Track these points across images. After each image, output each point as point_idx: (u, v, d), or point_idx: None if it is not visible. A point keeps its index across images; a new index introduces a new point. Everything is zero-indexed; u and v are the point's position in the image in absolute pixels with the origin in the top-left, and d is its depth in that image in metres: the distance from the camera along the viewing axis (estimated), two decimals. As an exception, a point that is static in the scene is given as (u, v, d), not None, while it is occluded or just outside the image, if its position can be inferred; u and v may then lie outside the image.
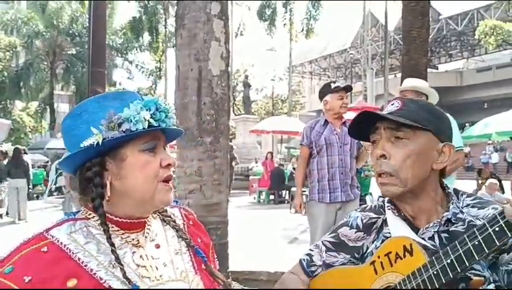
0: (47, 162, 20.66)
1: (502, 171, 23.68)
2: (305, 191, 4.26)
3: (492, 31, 27.89)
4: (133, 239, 1.04)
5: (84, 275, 0.94)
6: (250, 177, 16.64)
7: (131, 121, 0.97)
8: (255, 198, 15.31)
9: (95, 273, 0.94)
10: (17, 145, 12.09)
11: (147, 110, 0.99)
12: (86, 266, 0.95)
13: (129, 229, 1.05)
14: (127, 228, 1.04)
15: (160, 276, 1.03)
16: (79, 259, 0.95)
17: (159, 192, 1.02)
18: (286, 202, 14.02)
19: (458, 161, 3.55)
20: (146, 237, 1.07)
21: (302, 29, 29.73)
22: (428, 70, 8.06)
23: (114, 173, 1.01)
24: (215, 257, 1.25)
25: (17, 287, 0.88)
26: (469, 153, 25.12)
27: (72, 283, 0.91)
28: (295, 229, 8.88)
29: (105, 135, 0.97)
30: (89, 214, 1.03)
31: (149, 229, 1.09)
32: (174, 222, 1.16)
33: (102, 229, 0.99)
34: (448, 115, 3.46)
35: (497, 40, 28.52)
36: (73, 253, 0.95)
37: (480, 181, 14.42)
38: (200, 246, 1.16)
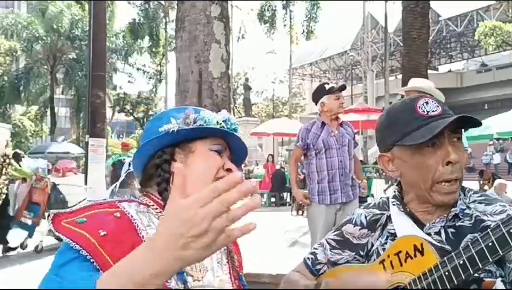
0: (47, 166, 20.64)
1: (503, 172, 23.64)
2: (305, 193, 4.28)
3: (491, 32, 27.89)
4: None
5: None
6: (251, 180, 16.61)
7: (205, 121, 1.08)
8: (256, 201, 15.29)
9: None
10: (16, 150, 12.05)
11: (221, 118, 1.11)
12: None
13: None
14: None
15: (202, 278, 1.05)
16: (143, 237, 0.98)
17: None
18: (287, 204, 14.01)
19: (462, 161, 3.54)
20: None
21: (303, 32, 29.76)
22: (429, 71, 8.07)
23: (181, 161, 1.09)
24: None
25: (91, 237, 0.89)
26: (470, 154, 25.09)
27: None
28: (297, 231, 8.86)
29: (181, 126, 1.07)
30: (149, 202, 1.08)
31: None
32: None
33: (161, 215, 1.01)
34: None
35: (496, 41, 28.52)
36: (140, 229, 0.99)
37: (481, 182, 14.41)
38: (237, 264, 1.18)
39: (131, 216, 1.00)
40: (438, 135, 1.11)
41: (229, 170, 1.09)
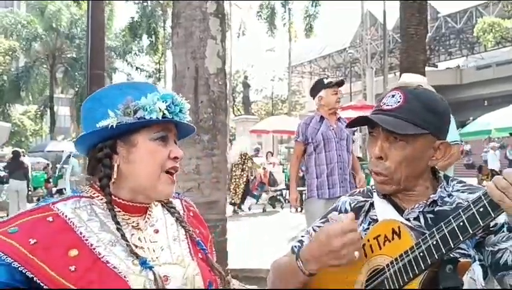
0: (48, 164, 20.67)
1: (503, 168, 23.60)
2: (304, 190, 4.30)
3: (490, 28, 27.79)
4: (133, 222, 1.08)
5: (84, 247, 0.98)
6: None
7: (146, 110, 1.03)
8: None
9: (94, 249, 0.98)
10: (16, 148, 12.09)
11: (163, 101, 1.04)
12: (86, 240, 0.99)
13: (130, 212, 1.09)
14: (128, 211, 1.08)
15: (157, 258, 1.06)
16: (81, 233, 0.99)
17: (161, 183, 1.07)
18: (286, 201, 14.01)
19: (454, 155, 3.56)
20: (146, 221, 1.11)
21: (305, 28, 29.64)
22: (428, 68, 8.06)
23: (123, 156, 1.06)
24: (214, 250, 1.27)
25: (21, 248, 0.92)
26: (469, 150, 25.05)
27: (73, 252, 0.96)
28: (295, 227, 8.86)
29: (120, 119, 1.03)
30: (94, 193, 1.08)
31: (150, 214, 1.13)
32: (179, 213, 1.20)
33: (106, 208, 1.04)
34: None
35: (495, 37, 28.43)
36: (76, 227, 1.00)
37: (480, 178, 14.43)
38: (199, 237, 1.18)
39: (66, 216, 1.00)
40: (375, 127, 1.17)
41: (176, 158, 1.08)
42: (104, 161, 1.05)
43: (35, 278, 0.91)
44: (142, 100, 1.03)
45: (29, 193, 11.05)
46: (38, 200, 16.01)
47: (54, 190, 18.30)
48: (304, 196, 4.36)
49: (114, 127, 1.02)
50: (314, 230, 1.37)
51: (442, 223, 0.99)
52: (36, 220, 0.98)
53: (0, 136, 11.27)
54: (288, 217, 10.69)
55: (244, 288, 4.11)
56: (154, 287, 0.99)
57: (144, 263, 0.99)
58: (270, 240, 7.75)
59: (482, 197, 0.94)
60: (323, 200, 3.90)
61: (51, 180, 18.59)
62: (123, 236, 1.01)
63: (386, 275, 1.06)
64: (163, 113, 1.04)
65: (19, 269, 0.90)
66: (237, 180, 11.98)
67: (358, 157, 11.55)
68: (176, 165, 1.08)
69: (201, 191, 3.69)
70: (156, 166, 1.06)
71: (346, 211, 1.34)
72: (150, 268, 0.99)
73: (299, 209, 11.08)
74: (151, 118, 1.02)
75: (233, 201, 11.95)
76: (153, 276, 0.98)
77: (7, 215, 10.82)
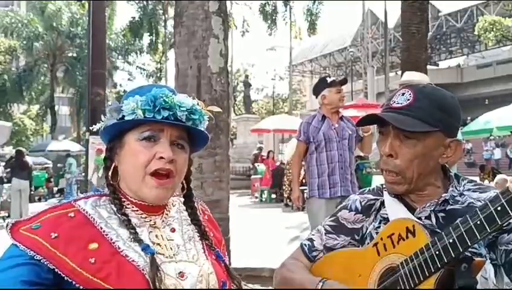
0: (48, 164, 20.70)
1: (504, 167, 23.61)
2: (305, 190, 4.29)
3: (491, 26, 27.73)
4: (151, 220, 1.10)
5: (104, 241, 1.00)
6: (252, 177, 16.64)
7: (126, 111, 1.04)
8: (257, 197, 15.32)
9: (114, 243, 1.01)
10: (19, 148, 12.11)
11: (145, 101, 1.04)
12: (106, 235, 1.02)
13: (148, 211, 1.10)
14: (145, 210, 1.10)
15: (174, 255, 1.07)
16: (101, 228, 1.03)
17: (145, 185, 1.06)
18: (288, 200, 14.04)
19: (457, 153, 3.55)
20: (163, 220, 1.13)
21: (308, 27, 29.58)
22: (429, 67, 8.06)
23: (118, 156, 1.10)
24: (226, 253, 1.27)
25: (43, 241, 0.95)
26: (471, 149, 25.05)
27: (93, 246, 0.98)
28: (297, 227, 8.89)
29: (106, 122, 1.08)
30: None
31: (167, 214, 1.15)
32: (198, 218, 1.20)
33: (124, 207, 1.08)
34: None
35: (496, 36, 28.37)
36: (96, 222, 1.03)
37: (482, 176, 14.42)
38: (213, 241, 1.19)
39: (86, 212, 1.04)
40: (385, 125, 1.17)
41: (161, 158, 1.04)
42: (106, 163, 1.11)
43: (56, 270, 0.93)
44: (125, 102, 1.05)
45: (31, 192, 11.03)
46: (39, 199, 16.05)
47: (55, 189, 18.34)
48: (305, 194, 4.35)
49: (103, 129, 1.08)
50: (325, 228, 1.38)
51: (458, 222, 0.98)
52: (58, 216, 1.02)
53: (1, 136, 11.27)
54: (290, 215, 10.69)
55: (247, 288, 4.11)
56: (168, 280, 1.00)
57: (145, 249, 1.01)
58: (272, 239, 7.75)
59: (500, 196, 0.93)
60: (324, 199, 3.90)
61: (52, 179, 18.62)
62: (129, 224, 1.04)
63: (401, 273, 1.06)
64: (138, 115, 1.03)
65: (42, 262, 0.93)
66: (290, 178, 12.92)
67: (359, 157, 11.50)
68: (162, 166, 1.04)
69: (204, 190, 3.69)
70: (138, 167, 1.05)
71: (356, 209, 1.34)
72: (151, 254, 1.01)
73: (301, 208, 11.08)
74: (133, 119, 1.03)
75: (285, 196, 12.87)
76: (149, 260, 0.99)
77: (8, 215, 10.84)
